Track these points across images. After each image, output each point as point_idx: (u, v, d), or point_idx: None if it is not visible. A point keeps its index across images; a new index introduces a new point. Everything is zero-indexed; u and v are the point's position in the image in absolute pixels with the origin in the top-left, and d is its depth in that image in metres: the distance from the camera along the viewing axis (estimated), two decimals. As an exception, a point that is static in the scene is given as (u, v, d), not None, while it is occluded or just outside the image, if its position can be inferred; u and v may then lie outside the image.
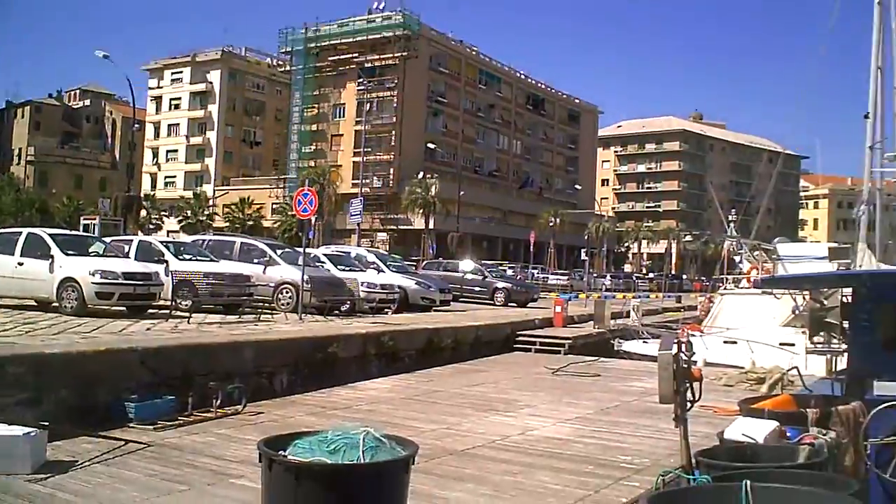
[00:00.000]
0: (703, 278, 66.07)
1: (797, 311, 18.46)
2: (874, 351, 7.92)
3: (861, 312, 8.22)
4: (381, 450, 4.75)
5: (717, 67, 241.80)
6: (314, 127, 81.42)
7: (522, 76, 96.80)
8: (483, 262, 42.19)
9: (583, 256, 63.91)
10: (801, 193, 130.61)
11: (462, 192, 65.71)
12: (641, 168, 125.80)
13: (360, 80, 73.52)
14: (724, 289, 26.92)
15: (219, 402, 10.43)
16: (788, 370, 12.68)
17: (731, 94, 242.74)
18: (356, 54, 78.29)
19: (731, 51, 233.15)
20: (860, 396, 6.07)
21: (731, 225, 28.31)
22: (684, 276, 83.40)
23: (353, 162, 71.41)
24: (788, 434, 6.35)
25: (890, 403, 4.99)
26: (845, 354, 9.44)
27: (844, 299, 9.88)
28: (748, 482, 4.39)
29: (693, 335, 21.90)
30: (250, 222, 72.64)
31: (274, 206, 76.50)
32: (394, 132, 76.67)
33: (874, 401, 5.09)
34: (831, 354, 11.96)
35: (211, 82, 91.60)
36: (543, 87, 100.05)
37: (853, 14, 23.49)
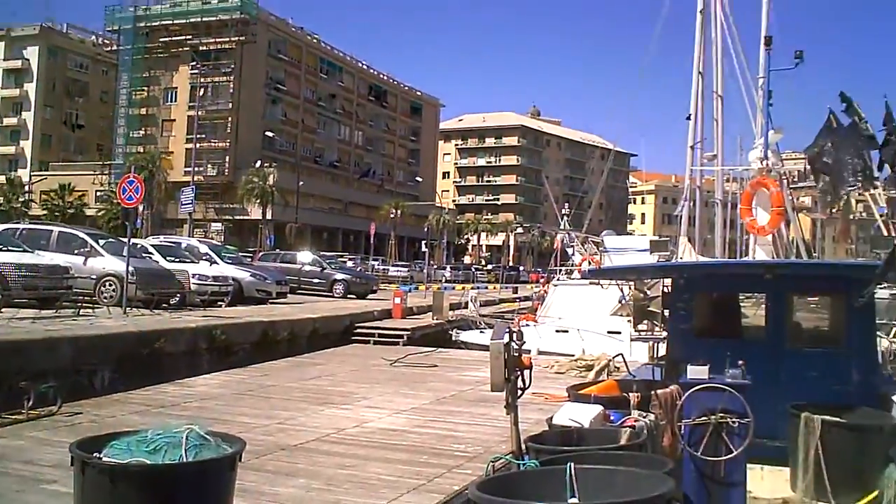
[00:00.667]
0: (539, 270, 68.51)
1: (623, 301, 19.49)
2: (689, 337, 8.47)
3: (678, 301, 8.77)
4: (206, 448, 4.58)
5: (553, 65, 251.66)
6: (143, 111, 77.12)
7: (364, 66, 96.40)
8: (322, 253, 41.72)
9: (423, 248, 64.55)
10: (630, 189, 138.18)
11: (301, 183, 64.62)
12: (481, 161, 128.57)
13: (194, 63, 70.14)
14: (558, 280, 27.97)
15: (30, 402, 9.63)
16: (614, 357, 13.32)
17: (566, 92, 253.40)
18: (189, 36, 74.88)
19: (567, 49, 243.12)
20: (676, 380, 6.44)
21: (565, 218, 29.42)
22: (521, 268, 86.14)
23: (186, 149, 68.47)
24: (612, 417, 6.65)
25: (701, 386, 5.31)
26: (666, 341, 10.02)
27: (665, 289, 10.49)
28: (572, 464, 4.56)
29: (527, 325, 22.64)
30: (71, 210, 67.83)
31: (98, 193, 71.78)
32: (230, 119, 74.09)
33: (687, 384, 5.41)
34: (653, 341, 12.67)
35: (27, 59, 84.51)
36: (386, 78, 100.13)
37: (678, 22, 24.91)
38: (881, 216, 7.15)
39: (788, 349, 8.23)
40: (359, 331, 21.39)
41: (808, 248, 20.01)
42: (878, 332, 14.75)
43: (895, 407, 7.31)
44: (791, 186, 19.12)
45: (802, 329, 9.51)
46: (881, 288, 6.76)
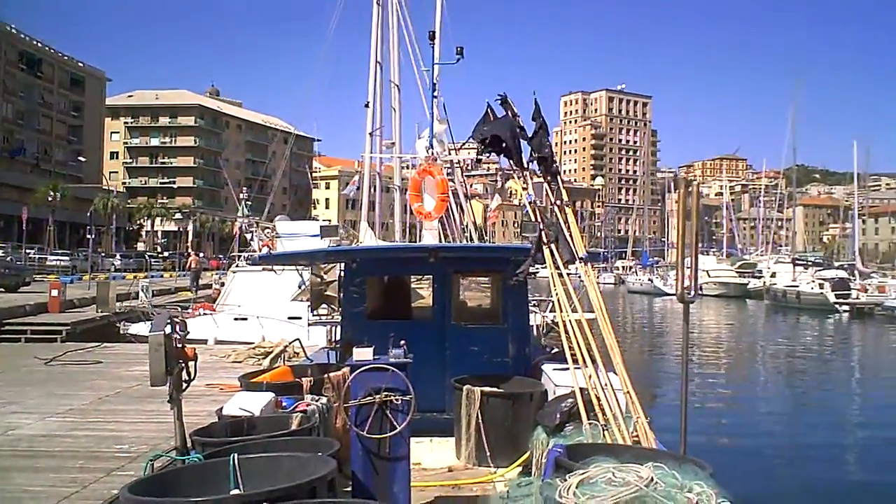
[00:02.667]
0: (220, 256, 66.33)
1: (303, 286, 19.53)
2: (362, 320, 8.66)
3: (351, 285, 8.93)
4: None
5: (235, 44, 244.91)
6: None
7: (13, 31, 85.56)
8: (-37, 241, 36.57)
9: (88, 235, 59.21)
10: (314, 174, 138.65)
11: (-65, 159, 55.88)
12: (155, 142, 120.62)
13: None
14: (237, 266, 27.25)
15: None
16: (291, 342, 13.27)
17: (248, 73, 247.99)
18: None
19: (247, 27, 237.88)
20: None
21: (244, 203, 28.67)
22: (202, 254, 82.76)
23: None
24: (284, 403, 6.56)
25: (366, 367, 5.40)
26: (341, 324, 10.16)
27: (342, 274, 10.61)
28: (236, 455, 4.42)
29: (205, 314, 21.80)
30: None
31: None
32: None
33: (354, 365, 5.48)
34: (330, 325, 12.81)
35: None
36: (40, 45, 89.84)
37: (361, 9, 25.35)
38: (530, 203, 7.82)
39: (453, 327, 8.76)
40: (7, 328, 19.13)
41: (481, 231, 21.61)
42: (534, 308, 16.45)
43: (544, 375, 8.10)
44: (465, 174, 20.56)
45: (467, 308, 10.20)
46: (543, 267, 7.41)
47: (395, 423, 5.31)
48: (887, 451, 14.50)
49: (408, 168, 24.76)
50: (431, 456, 7.74)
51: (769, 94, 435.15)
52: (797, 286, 59.29)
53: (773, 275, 67.37)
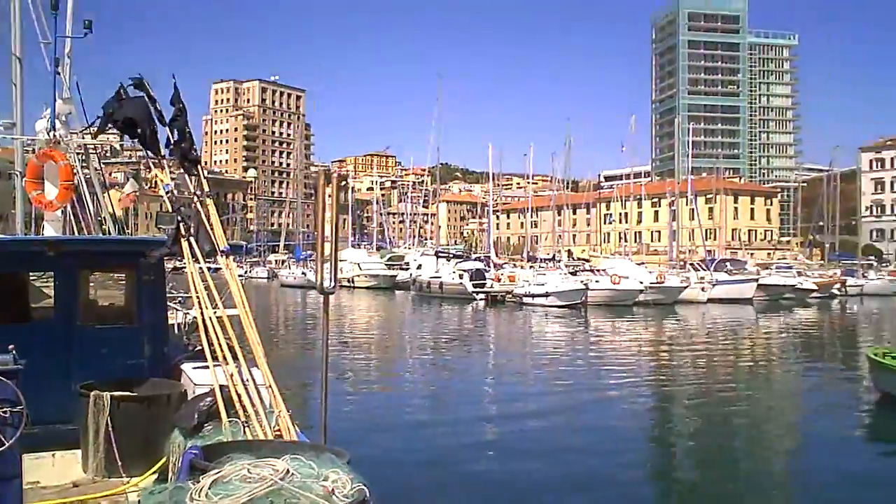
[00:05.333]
0: None
1: None
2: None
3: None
4: None
5: None
6: None
7: None
8: None
9: None
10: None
11: None
12: None
13: None
14: None
15: None
16: None
17: None
18: None
19: None
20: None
21: None
22: None
23: None
24: None
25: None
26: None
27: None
28: None
29: None
30: None
31: None
32: None
33: None
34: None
35: None
36: None
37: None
38: (167, 193, 7.40)
39: (80, 328, 8.02)
40: None
41: (121, 223, 20.00)
42: (177, 306, 15.65)
43: (184, 375, 7.73)
44: (104, 161, 18.88)
45: (98, 307, 9.40)
46: (180, 261, 7.01)
47: (2, 438, 4.67)
48: (523, 423, 16.01)
49: (33, 152, 22.25)
50: (53, 472, 7.01)
51: (417, 96, 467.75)
52: (440, 277, 64.26)
53: (419, 266, 72.19)
